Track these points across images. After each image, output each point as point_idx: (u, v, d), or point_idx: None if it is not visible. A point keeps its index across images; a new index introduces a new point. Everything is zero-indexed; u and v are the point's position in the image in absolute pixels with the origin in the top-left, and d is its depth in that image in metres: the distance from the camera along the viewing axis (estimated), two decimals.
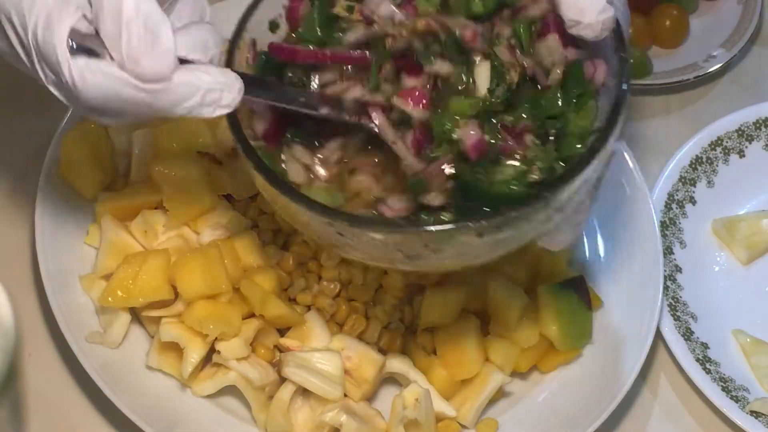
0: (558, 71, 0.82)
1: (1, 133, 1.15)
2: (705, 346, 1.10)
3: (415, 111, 0.80)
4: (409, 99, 0.80)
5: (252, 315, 0.99)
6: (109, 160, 1.07)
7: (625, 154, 1.17)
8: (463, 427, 1.01)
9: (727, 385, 1.07)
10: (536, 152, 0.80)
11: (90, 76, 0.76)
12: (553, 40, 0.82)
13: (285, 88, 0.85)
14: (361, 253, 0.81)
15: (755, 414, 1.05)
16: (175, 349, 0.98)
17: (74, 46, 0.76)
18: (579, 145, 0.79)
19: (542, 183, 0.79)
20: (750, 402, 1.06)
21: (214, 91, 0.78)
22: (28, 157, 1.12)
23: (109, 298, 0.98)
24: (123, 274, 0.98)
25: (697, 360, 1.07)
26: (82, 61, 0.76)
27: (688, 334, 1.09)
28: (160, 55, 0.76)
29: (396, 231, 0.78)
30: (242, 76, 0.79)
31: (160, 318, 0.98)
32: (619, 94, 0.80)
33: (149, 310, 0.99)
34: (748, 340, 1.12)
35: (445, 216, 0.80)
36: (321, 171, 0.84)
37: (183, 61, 0.78)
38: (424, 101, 0.80)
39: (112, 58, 0.76)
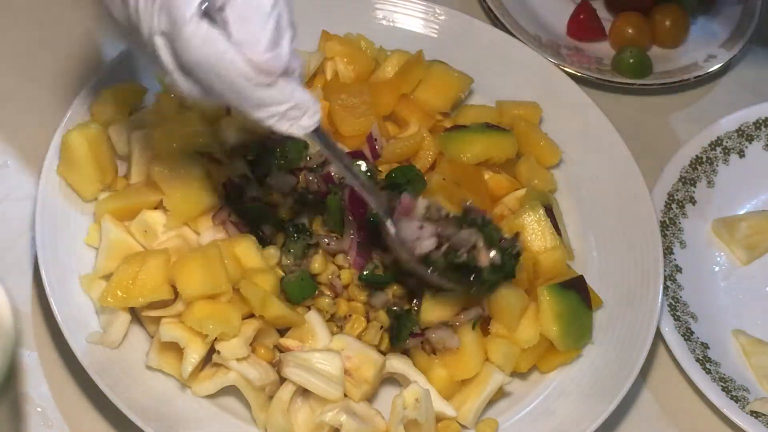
0: None
1: (2, 133, 1.15)
2: (705, 346, 1.10)
3: None
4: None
5: (252, 315, 0.99)
6: (109, 160, 1.07)
7: (626, 153, 1.17)
8: (463, 427, 1.01)
9: (727, 385, 1.07)
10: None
11: (206, 43, 0.77)
12: None
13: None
14: None
15: (755, 414, 1.05)
16: (175, 349, 0.97)
17: (204, 9, 0.77)
18: None
19: None
20: (750, 402, 1.06)
21: (299, 109, 0.81)
22: (28, 156, 1.12)
23: (109, 298, 0.98)
24: (123, 274, 0.98)
25: (697, 360, 1.07)
26: (205, 27, 0.77)
27: (688, 334, 1.09)
28: (281, 54, 0.79)
29: None
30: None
31: (160, 318, 0.98)
32: None
33: (149, 310, 0.99)
34: (748, 340, 1.12)
35: None
36: None
37: None
38: None
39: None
